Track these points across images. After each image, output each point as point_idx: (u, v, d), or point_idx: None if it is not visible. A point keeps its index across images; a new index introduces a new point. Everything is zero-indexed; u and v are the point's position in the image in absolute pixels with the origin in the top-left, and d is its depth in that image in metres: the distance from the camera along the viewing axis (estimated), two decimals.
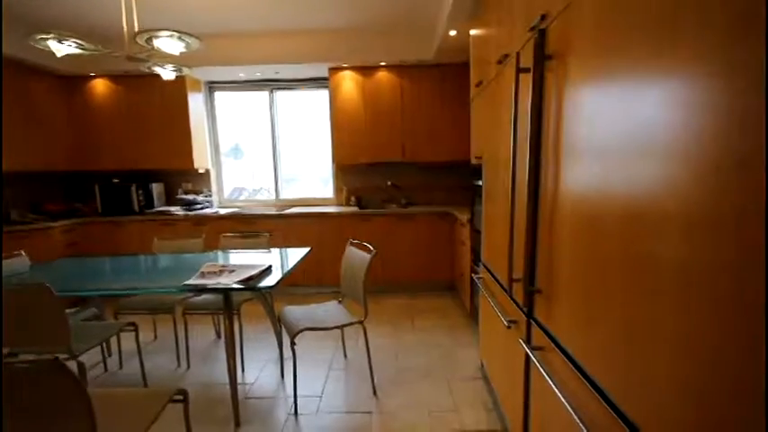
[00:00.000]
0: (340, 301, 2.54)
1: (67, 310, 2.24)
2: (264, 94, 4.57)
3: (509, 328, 1.59)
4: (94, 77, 4.12)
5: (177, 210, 4.17)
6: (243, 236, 2.96)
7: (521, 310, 1.51)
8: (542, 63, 1.26)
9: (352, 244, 2.51)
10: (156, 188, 4.35)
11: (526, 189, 1.34)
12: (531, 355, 1.31)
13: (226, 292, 1.87)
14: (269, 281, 1.91)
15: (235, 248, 2.86)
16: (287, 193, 4.76)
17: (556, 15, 1.19)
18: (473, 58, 2.75)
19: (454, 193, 4.47)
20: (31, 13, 3.19)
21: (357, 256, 2.35)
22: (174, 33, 1.84)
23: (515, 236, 1.54)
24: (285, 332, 2.22)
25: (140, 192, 4.20)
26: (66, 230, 3.85)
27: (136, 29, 2.22)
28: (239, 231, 3.37)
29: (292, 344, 2.05)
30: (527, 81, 1.33)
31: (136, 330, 2.28)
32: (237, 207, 4.59)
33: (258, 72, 4.21)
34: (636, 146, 0.79)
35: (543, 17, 1.34)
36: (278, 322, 2.41)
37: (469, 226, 3.03)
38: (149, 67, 2.32)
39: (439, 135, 4.11)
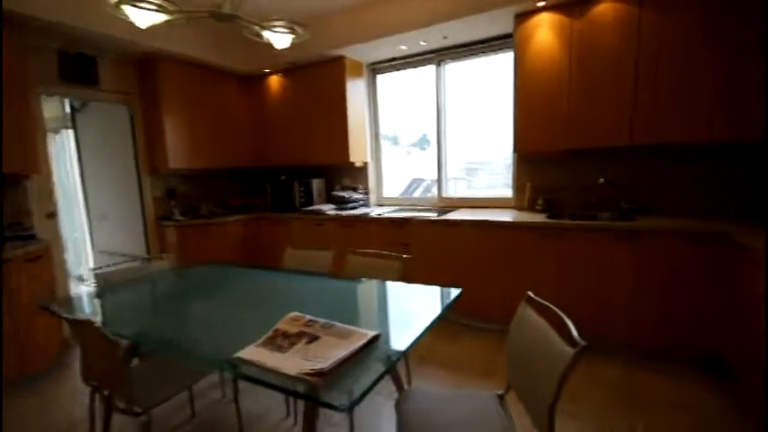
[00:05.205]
0: (501, 396, 1.44)
1: None
2: (431, 69, 3.71)
3: None
4: (269, 74, 4.14)
5: (330, 208, 3.81)
6: (374, 255, 2.19)
7: None
8: None
9: (530, 301, 1.36)
10: (317, 184, 4.12)
11: None
12: None
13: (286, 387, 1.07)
14: (353, 386, 1.02)
15: (359, 275, 2.08)
16: (458, 188, 3.85)
17: None
18: None
19: (730, 201, 2.57)
20: None
21: (542, 341, 1.19)
22: None
23: None
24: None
25: (302, 189, 4.05)
26: (241, 224, 3.99)
27: None
28: (374, 249, 2.63)
29: None
30: None
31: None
32: (395, 205, 3.96)
33: (423, 41, 3.38)
34: None
35: None
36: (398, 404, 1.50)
37: None
38: (257, 33, 1.77)
39: (704, 98, 2.34)
